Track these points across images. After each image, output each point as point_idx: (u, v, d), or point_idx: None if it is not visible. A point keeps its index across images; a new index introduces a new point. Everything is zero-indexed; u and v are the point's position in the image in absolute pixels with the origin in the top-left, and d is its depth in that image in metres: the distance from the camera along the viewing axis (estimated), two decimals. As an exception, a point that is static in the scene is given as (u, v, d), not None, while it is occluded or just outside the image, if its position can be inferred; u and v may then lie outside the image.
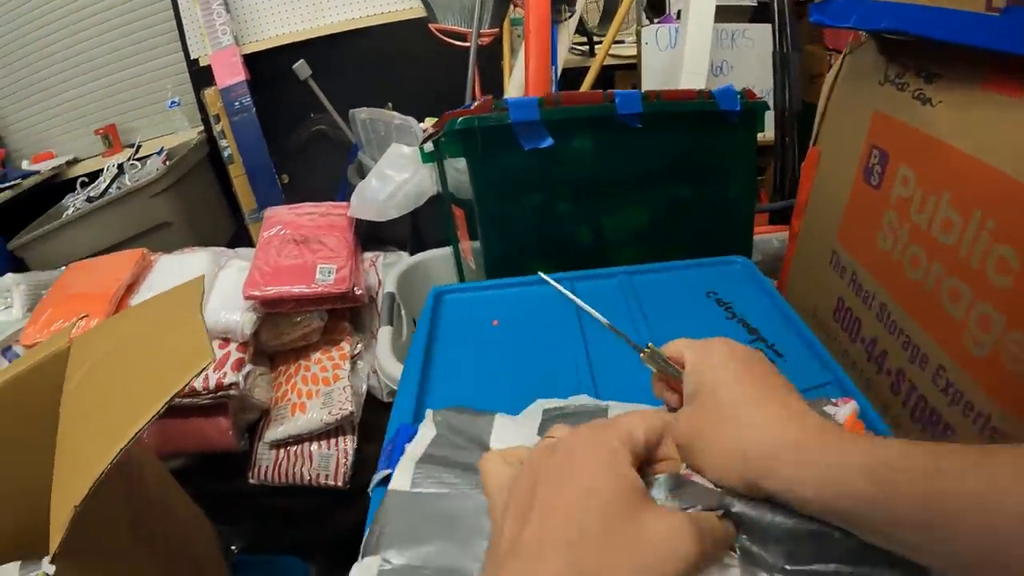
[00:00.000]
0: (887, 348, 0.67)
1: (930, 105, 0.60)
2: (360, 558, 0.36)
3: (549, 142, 0.74)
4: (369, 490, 0.45)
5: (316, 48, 1.91)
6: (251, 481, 1.08)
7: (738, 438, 0.31)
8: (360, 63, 1.99)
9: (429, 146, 0.94)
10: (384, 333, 0.94)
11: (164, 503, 0.84)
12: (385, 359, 0.87)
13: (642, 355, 0.39)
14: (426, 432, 0.44)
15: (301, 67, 1.74)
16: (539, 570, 0.26)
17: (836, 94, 0.78)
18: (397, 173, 1.12)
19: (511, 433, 0.43)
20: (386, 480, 0.45)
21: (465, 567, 0.34)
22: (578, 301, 0.46)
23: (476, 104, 0.73)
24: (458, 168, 0.94)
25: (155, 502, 0.80)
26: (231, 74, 1.77)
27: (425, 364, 0.56)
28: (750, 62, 1.85)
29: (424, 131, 1.05)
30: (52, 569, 0.48)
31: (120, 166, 1.84)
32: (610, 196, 0.83)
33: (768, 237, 1.19)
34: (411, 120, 1.20)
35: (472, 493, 0.38)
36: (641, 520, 0.27)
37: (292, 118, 2.05)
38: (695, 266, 0.75)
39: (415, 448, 0.43)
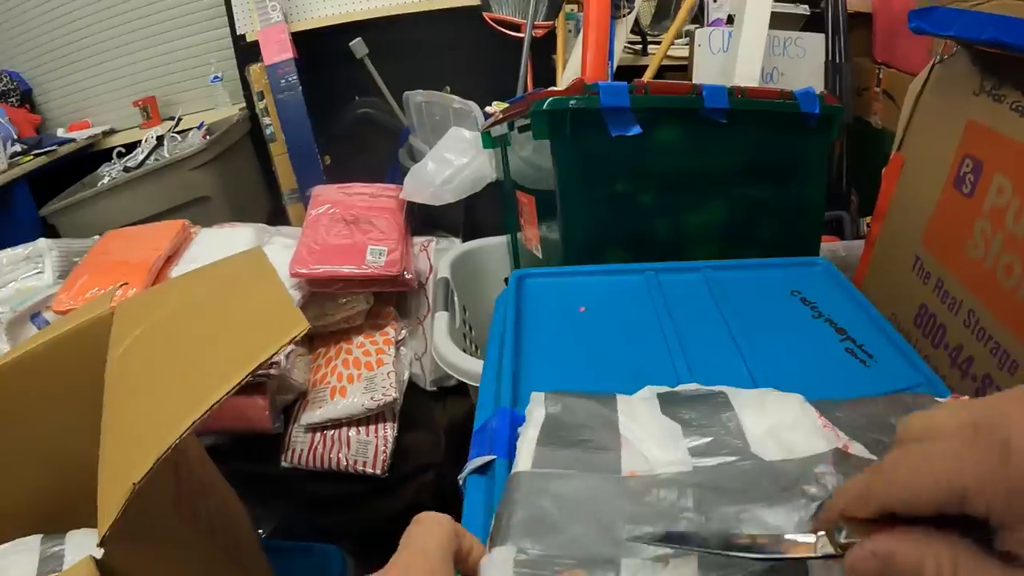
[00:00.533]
0: (973, 354, 0.66)
1: None
2: (489, 549, 0.33)
3: (637, 130, 0.71)
4: (461, 478, 0.43)
5: (365, 31, 1.90)
6: (284, 464, 1.05)
7: None
8: (411, 49, 1.98)
9: (499, 129, 0.92)
10: (441, 319, 0.92)
11: (204, 480, 0.81)
12: (444, 345, 0.85)
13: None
14: (536, 414, 0.42)
15: (358, 44, 1.72)
16: None
17: (923, 102, 0.78)
18: (456, 157, 1.10)
19: (640, 412, 0.40)
20: (484, 467, 0.43)
21: (607, 553, 0.31)
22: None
23: (567, 86, 0.70)
24: (522, 156, 0.92)
25: (196, 478, 0.78)
26: (279, 51, 1.76)
27: (516, 347, 0.54)
28: (800, 71, 1.81)
29: (492, 115, 1.03)
30: (100, 553, 0.44)
31: (159, 138, 1.83)
32: (691, 191, 0.81)
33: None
34: (472, 104, 1.18)
35: (604, 474, 0.35)
36: None
37: (336, 100, 2.03)
38: (777, 265, 0.74)
39: (530, 430, 0.40)
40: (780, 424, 0.37)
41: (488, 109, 1.18)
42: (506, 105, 0.96)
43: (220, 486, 0.84)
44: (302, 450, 1.04)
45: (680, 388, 0.44)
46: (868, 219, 1.74)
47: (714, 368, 0.53)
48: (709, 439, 0.37)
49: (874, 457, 0.35)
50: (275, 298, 0.56)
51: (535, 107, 0.69)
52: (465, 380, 0.83)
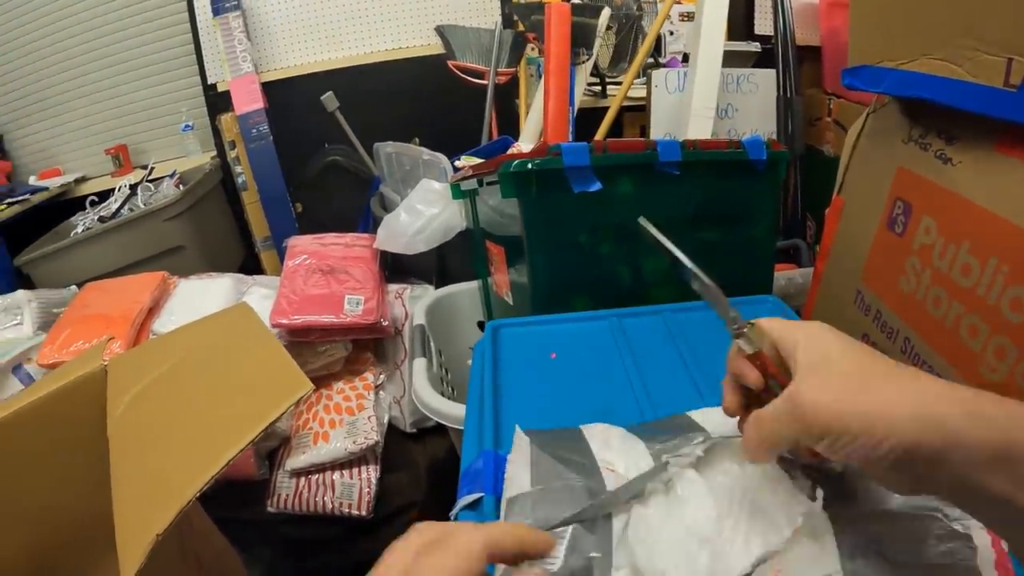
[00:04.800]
0: None
1: (951, 164, 0.66)
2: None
3: (598, 186, 0.77)
4: (452, 515, 0.47)
5: (334, 79, 1.95)
6: (270, 509, 1.08)
7: (904, 390, 0.32)
8: (380, 97, 2.03)
9: (468, 183, 0.97)
10: (419, 365, 0.96)
11: (202, 529, 0.84)
12: (423, 390, 0.89)
13: (745, 329, 0.40)
14: (522, 444, 0.46)
15: (329, 99, 1.77)
16: None
17: (859, 148, 0.84)
18: (427, 208, 1.15)
19: (610, 436, 0.45)
20: (473, 505, 0.46)
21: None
22: (675, 251, 0.47)
23: (532, 148, 0.76)
24: (491, 204, 0.97)
25: (196, 528, 0.81)
26: (250, 101, 1.80)
27: (495, 393, 0.58)
28: (754, 105, 1.89)
29: (461, 168, 1.09)
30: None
31: (133, 187, 1.85)
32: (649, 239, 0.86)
33: (776, 275, 1.24)
34: (440, 156, 1.23)
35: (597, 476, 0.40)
36: None
37: (305, 147, 2.07)
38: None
39: (519, 456, 0.44)
40: None
41: (458, 164, 1.24)
42: (476, 161, 1.01)
43: (215, 534, 0.87)
44: (288, 495, 1.06)
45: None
46: (823, 245, 1.83)
47: (674, 402, 0.57)
48: (675, 439, 0.43)
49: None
50: (275, 357, 0.60)
51: (503, 169, 0.74)
52: (445, 423, 0.87)
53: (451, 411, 0.85)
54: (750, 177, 0.90)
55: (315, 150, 2.09)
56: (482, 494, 0.46)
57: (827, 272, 0.90)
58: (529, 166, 0.74)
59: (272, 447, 1.10)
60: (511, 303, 0.93)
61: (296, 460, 1.06)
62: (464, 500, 0.46)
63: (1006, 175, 0.59)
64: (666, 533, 0.36)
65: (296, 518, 1.08)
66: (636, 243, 0.86)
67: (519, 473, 0.43)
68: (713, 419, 0.48)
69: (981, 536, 0.37)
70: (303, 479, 1.07)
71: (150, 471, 0.56)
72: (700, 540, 0.36)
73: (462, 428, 0.86)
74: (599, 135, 1.67)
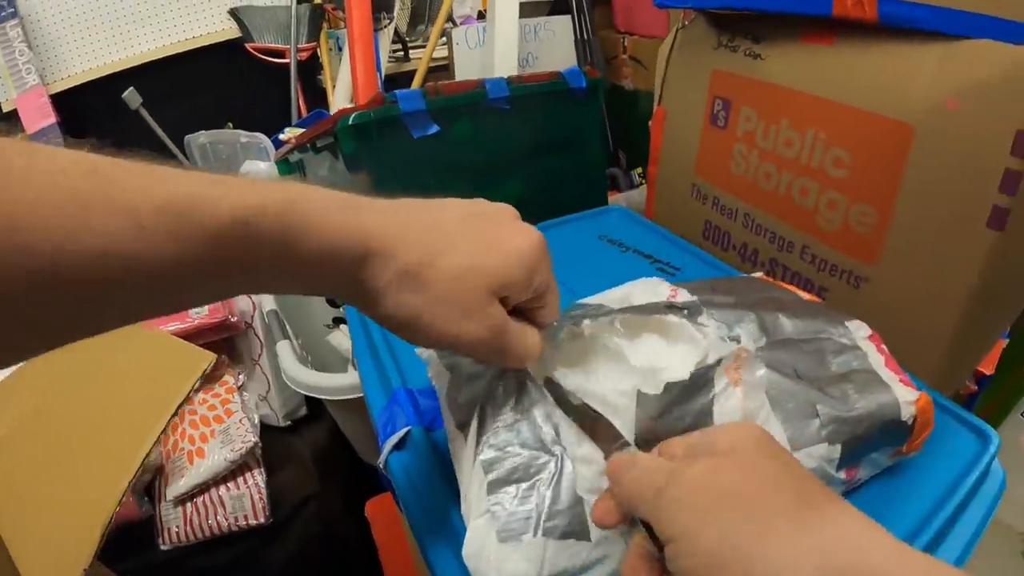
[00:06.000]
0: (757, 247, 0.80)
1: (760, 59, 0.74)
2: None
3: (435, 129, 0.78)
4: (381, 462, 0.46)
5: (131, 81, 1.74)
6: (163, 547, 0.99)
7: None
8: (185, 90, 1.85)
9: (295, 154, 0.93)
10: (284, 348, 0.92)
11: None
12: (295, 370, 0.86)
13: None
14: (440, 374, 0.44)
15: (131, 95, 1.58)
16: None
17: (673, 61, 0.90)
18: (256, 190, 1.08)
19: None
20: (402, 443, 0.46)
21: None
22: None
23: (368, 100, 0.75)
24: (321, 175, 0.94)
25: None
26: (40, 117, 1.57)
27: (384, 337, 0.58)
28: (553, 51, 1.96)
29: (286, 141, 1.04)
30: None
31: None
32: (491, 173, 0.89)
33: (612, 200, 1.33)
34: (259, 135, 1.16)
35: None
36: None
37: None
38: (581, 218, 0.85)
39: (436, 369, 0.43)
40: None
41: (282, 136, 1.18)
42: (301, 130, 0.97)
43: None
44: (178, 527, 0.98)
45: None
46: (638, 170, 1.97)
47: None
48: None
49: (694, 298, 0.44)
50: (160, 343, 0.55)
51: (341, 124, 0.73)
52: (327, 397, 0.84)
53: (332, 383, 0.83)
54: (574, 104, 0.96)
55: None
56: (408, 427, 0.45)
57: (660, 175, 0.97)
58: (369, 116, 0.73)
59: (147, 481, 1.00)
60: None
61: (176, 486, 0.97)
62: (391, 441, 0.45)
63: (810, 60, 0.68)
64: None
65: (195, 548, 1.00)
66: (479, 179, 0.89)
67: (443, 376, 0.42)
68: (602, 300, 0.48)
69: (866, 344, 0.44)
70: (189, 505, 0.99)
71: (55, 510, 0.49)
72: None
73: (350, 397, 0.85)
74: (413, 97, 1.66)
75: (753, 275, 0.57)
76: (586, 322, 0.38)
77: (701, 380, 0.36)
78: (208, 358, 0.47)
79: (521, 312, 0.35)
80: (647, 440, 0.34)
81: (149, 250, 0.23)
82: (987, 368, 0.83)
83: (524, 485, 0.33)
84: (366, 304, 0.31)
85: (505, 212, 0.36)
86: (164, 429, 0.43)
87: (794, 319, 0.43)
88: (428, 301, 0.30)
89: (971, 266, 0.56)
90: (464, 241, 0.32)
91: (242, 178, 0.27)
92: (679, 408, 0.35)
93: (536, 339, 0.35)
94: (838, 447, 0.37)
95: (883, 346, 0.44)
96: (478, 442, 0.35)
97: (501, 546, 0.32)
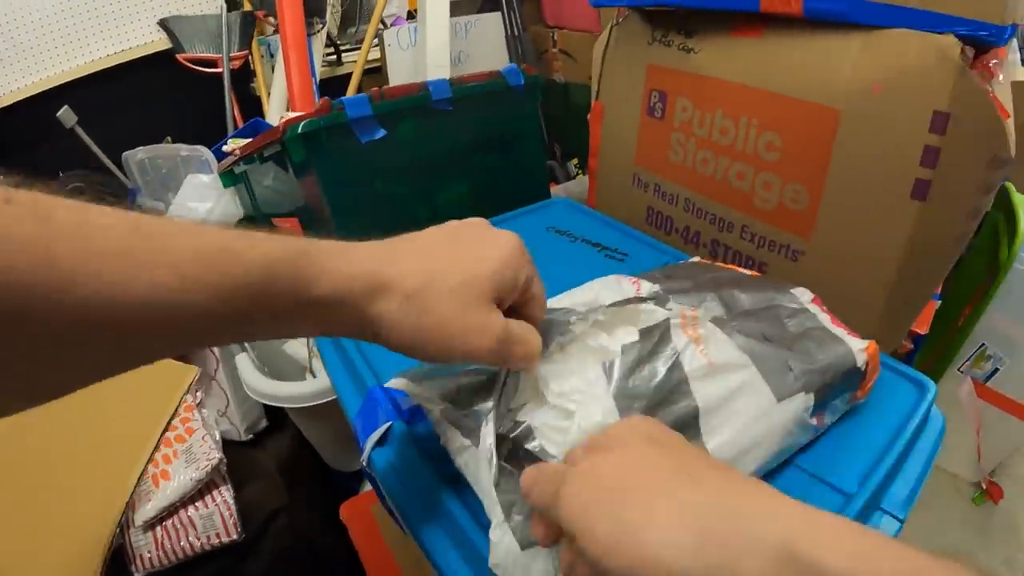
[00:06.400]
0: (699, 229, 0.84)
1: (693, 53, 0.78)
2: None
3: (382, 133, 0.80)
4: (364, 460, 0.46)
5: (59, 101, 1.64)
6: (136, 575, 0.97)
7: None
8: (119, 105, 1.76)
9: (240, 166, 0.93)
10: (243, 361, 0.92)
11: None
12: (257, 381, 0.86)
13: None
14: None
15: (66, 114, 1.50)
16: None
17: (609, 57, 0.93)
18: (199, 203, 1.07)
19: None
20: (384, 438, 0.47)
21: None
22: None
23: (316, 108, 0.75)
24: (267, 185, 0.94)
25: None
26: None
27: (355, 344, 0.58)
28: (485, 49, 1.98)
29: (230, 152, 1.03)
30: None
31: None
32: (437, 174, 0.91)
33: (554, 191, 1.36)
34: (201, 148, 1.15)
35: None
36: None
37: (43, 179, 1.74)
38: (528, 212, 0.88)
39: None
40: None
41: (225, 148, 1.16)
42: (244, 142, 0.96)
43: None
44: (149, 553, 0.96)
45: None
46: (574, 161, 2.00)
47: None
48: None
49: (657, 287, 0.48)
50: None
51: (290, 133, 0.73)
52: (293, 405, 0.85)
53: (296, 391, 0.84)
54: (514, 102, 0.98)
55: (52, 180, 1.77)
56: (389, 422, 0.46)
57: (601, 167, 1.01)
58: (317, 124, 0.74)
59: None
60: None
61: (144, 511, 0.96)
62: (372, 438, 0.46)
63: (740, 52, 0.72)
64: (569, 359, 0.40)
65: (169, 572, 0.99)
66: (427, 181, 0.91)
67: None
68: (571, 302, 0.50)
69: (812, 306, 0.49)
70: (159, 529, 0.97)
71: (46, 536, 0.48)
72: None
73: (316, 404, 0.85)
74: (348, 100, 1.64)
75: (692, 259, 0.62)
76: (573, 319, 0.40)
77: (655, 335, 0.40)
78: (191, 372, 0.47)
79: (514, 310, 0.38)
80: (627, 406, 0.37)
81: (187, 299, 0.26)
82: (921, 328, 0.88)
83: None
84: (381, 336, 0.33)
85: (479, 224, 0.38)
86: (156, 446, 0.43)
87: (748, 292, 0.48)
88: (436, 321, 0.33)
89: (898, 234, 0.62)
90: (453, 261, 0.34)
91: (260, 232, 0.30)
92: (646, 366, 0.38)
93: (536, 338, 0.37)
94: (812, 395, 0.42)
95: (825, 307, 0.50)
96: (495, 451, 0.36)
97: (524, 552, 0.33)
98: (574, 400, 0.37)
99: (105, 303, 0.24)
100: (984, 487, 1.00)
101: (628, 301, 0.44)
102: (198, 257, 0.27)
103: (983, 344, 0.92)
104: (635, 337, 0.39)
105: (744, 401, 0.40)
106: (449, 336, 0.33)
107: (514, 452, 0.37)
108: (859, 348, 0.45)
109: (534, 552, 0.33)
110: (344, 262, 0.32)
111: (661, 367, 0.38)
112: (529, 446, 0.36)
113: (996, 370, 0.92)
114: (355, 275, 0.32)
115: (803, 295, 0.51)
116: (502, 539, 0.34)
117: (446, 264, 0.34)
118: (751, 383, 0.40)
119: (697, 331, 0.41)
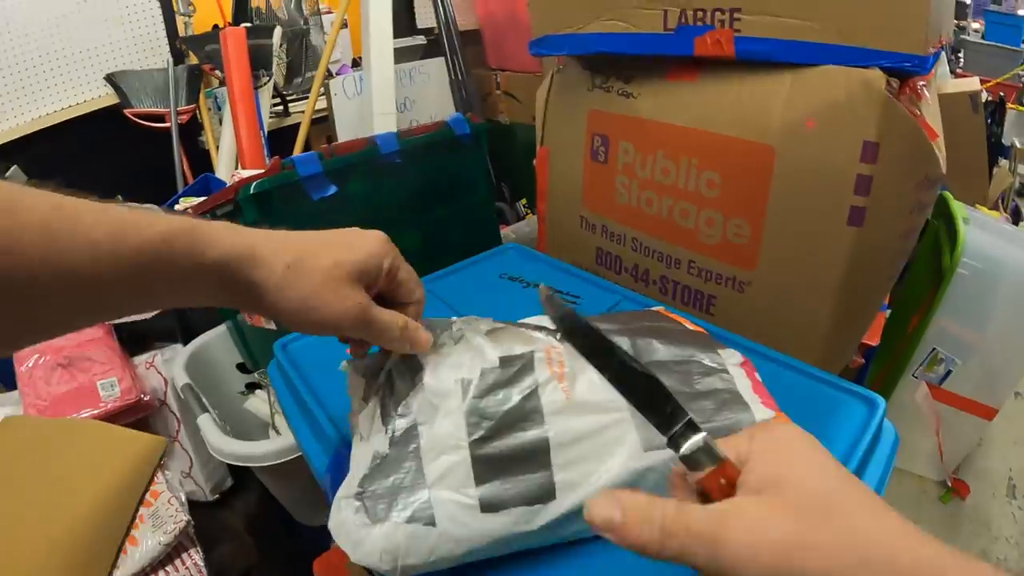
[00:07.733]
0: (648, 267, 0.87)
1: (632, 97, 0.81)
2: None
3: (333, 189, 0.82)
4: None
5: (13, 156, 1.60)
6: (102, 649, 0.94)
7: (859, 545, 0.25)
8: (69, 163, 1.69)
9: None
10: (206, 421, 0.92)
11: None
12: (221, 442, 0.86)
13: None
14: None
15: (15, 174, 1.48)
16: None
17: (551, 104, 0.96)
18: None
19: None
20: None
21: None
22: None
23: (267, 167, 0.77)
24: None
25: None
26: None
27: (317, 400, 0.59)
28: (429, 94, 2.02)
29: (184, 211, 1.03)
30: None
31: None
32: (389, 226, 0.92)
33: (504, 233, 1.39)
34: (152, 207, 1.14)
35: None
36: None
37: None
38: (480, 260, 0.89)
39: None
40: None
41: (178, 207, 1.17)
42: (196, 201, 0.97)
43: None
44: (117, 623, 0.94)
45: None
46: (522, 202, 2.04)
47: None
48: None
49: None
50: (102, 435, 0.55)
51: (243, 194, 0.75)
52: (259, 464, 0.85)
53: (262, 449, 0.84)
54: (461, 151, 1.01)
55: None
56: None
57: (549, 210, 1.02)
58: (268, 184, 0.76)
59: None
60: (274, 326, 0.93)
61: (110, 581, 0.94)
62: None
63: (676, 95, 0.75)
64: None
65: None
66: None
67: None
68: None
69: (736, 369, 0.49)
70: (126, 598, 0.96)
71: None
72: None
73: (282, 461, 0.86)
74: (296, 151, 1.66)
75: (653, 308, 0.62)
76: (460, 325, 0.45)
77: (516, 364, 0.43)
78: (159, 444, 0.48)
79: (387, 301, 0.45)
80: (475, 423, 0.41)
81: (98, 267, 0.32)
82: (873, 339, 0.91)
83: (391, 479, 0.40)
84: (262, 300, 0.39)
85: (349, 229, 0.46)
86: (132, 520, 0.45)
87: (669, 344, 0.49)
88: (311, 288, 0.39)
89: (838, 260, 0.65)
90: (324, 247, 0.41)
91: (155, 212, 0.37)
92: (502, 391, 0.42)
93: (400, 319, 0.43)
94: None
95: (755, 373, 0.49)
96: (384, 430, 0.43)
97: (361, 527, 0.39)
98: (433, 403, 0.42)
99: (26, 272, 0.29)
100: (950, 485, 1.03)
101: (529, 327, 0.47)
102: (109, 231, 0.32)
103: (934, 348, 0.94)
104: (496, 363, 0.43)
105: (605, 442, 0.41)
106: (321, 304, 0.39)
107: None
108: (763, 418, 0.44)
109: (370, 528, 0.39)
110: (232, 234, 0.38)
111: (516, 395, 0.42)
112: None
113: (949, 372, 0.94)
114: (240, 244, 0.37)
115: (731, 357, 0.50)
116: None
117: (318, 248, 0.41)
118: (619, 426, 0.42)
119: (563, 368, 0.43)
